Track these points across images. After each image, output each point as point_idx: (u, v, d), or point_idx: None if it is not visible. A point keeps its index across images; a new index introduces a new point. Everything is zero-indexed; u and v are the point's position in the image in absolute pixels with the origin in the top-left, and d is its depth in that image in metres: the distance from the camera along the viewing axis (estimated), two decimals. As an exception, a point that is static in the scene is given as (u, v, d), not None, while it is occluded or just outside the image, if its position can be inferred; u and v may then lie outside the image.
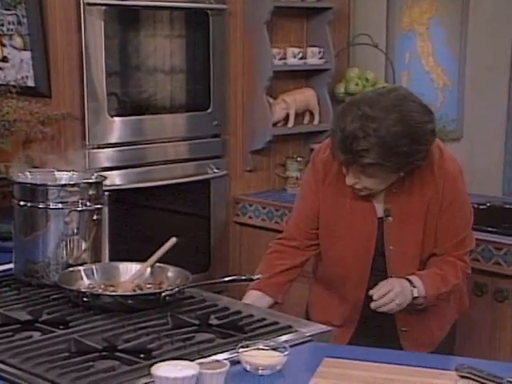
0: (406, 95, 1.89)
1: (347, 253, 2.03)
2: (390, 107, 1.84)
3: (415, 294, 1.95)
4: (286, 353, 1.55)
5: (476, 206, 3.13)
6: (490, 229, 2.76)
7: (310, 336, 1.72)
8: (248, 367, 1.54)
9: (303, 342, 1.70)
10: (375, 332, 2.05)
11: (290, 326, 1.74)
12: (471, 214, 2.06)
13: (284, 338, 1.68)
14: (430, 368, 1.59)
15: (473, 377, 1.52)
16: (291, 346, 1.61)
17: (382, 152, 1.82)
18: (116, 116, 2.87)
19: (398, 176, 1.94)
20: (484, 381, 1.51)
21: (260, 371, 1.54)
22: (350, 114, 1.85)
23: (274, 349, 1.58)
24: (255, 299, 2.00)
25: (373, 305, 1.92)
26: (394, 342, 2.03)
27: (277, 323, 1.75)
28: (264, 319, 1.77)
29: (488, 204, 3.16)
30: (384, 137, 1.81)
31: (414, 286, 1.95)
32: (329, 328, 1.79)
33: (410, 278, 1.96)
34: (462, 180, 2.02)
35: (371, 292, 1.93)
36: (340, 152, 1.88)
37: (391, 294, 1.91)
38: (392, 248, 2.00)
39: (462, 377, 1.53)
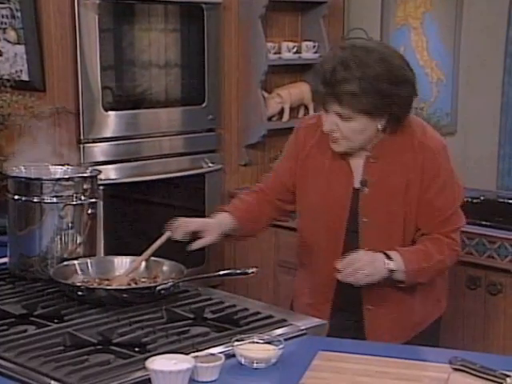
0: (392, 48, 1.99)
1: (320, 223, 2.01)
2: (373, 51, 1.91)
3: (391, 267, 1.90)
4: (281, 346, 1.56)
5: (470, 199, 3.15)
6: (483, 222, 2.77)
7: (304, 329, 1.73)
8: (243, 360, 1.55)
9: (298, 336, 1.70)
10: (351, 311, 2.02)
11: (285, 320, 1.75)
12: (458, 192, 2.03)
13: (279, 331, 1.69)
14: (423, 361, 1.61)
15: (466, 369, 1.53)
16: (286, 340, 1.61)
17: (362, 84, 1.86)
18: (111, 110, 2.86)
19: (375, 129, 1.93)
20: (477, 373, 1.51)
21: (255, 364, 1.54)
22: (333, 52, 1.96)
23: (268, 342, 1.58)
24: (221, 217, 2.03)
25: (339, 275, 1.89)
26: (359, 322, 2.00)
27: (271, 317, 1.76)
28: (259, 313, 1.78)
29: (482, 198, 3.18)
30: (364, 72, 1.87)
31: (389, 259, 1.90)
32: (323, 321, 1.79)
33: (387, 251, 1.93)
34: (445, 156, 2.00)
35: (337, 262, 1.90)
36: (320, 84, 1.91)
37: (358, 264, 1.87)
38: (365, 220, 1.98)
39: (456, 369, 1.53)
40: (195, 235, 1.98)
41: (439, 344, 2.08)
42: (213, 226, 2.00)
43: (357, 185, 2.00)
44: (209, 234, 1.98)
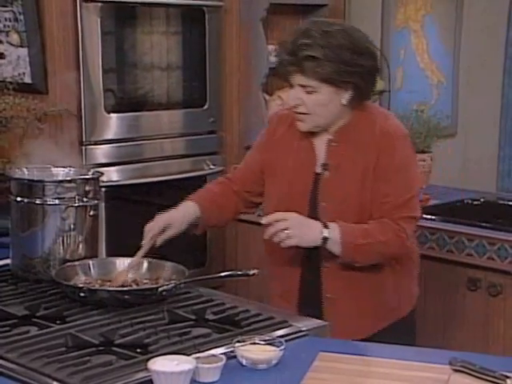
0: (355, 27, 2.02)
1: (281, 208, 2.00)
2: (335, 24, 1.96)
3: (325, 234, 1.88)
4: (282, 347, 1.56)
5: (470, 201, 3.16)
6: (483, 224, 2.78)
7: (305, 331, 1.73)
8: (244, 361, 1.55)
9: (299, 337, 1.71)
10: (313, 299, 2.01)
11: (286, 321, 1.75)
12: (415, 182, 2.01)
13: (280, 332, 1.70)
14: (423, 362, 1.60)
15: (466, 370, 1.52)
16: (287, 341, 1.62)
17: (324, 51, 1.88)
18: (113, 112, 2.88)
19: (339, 103, 1.94)
20: (477, 374, 1.51)
21: (256, 365, 1.55)
22: (297, 27, 2.01)
23: (269, 343, 1.59)
24: (185, 207, 2.05)
25: (265, 234, 1.89)
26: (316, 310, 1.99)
27: (273, 318, 1.77)
28: (260, 314, 1.78)
29: (482, 199, 3.18)
30: (327, 40, 1.89)
31: (325, 227, 1.89)
32: (324, 323, 1.80)
33: (327, 222, 1.91)
34: (405, 144, 1.99)
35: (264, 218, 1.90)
36: (284, 53, 1.93)
37: (283, 223, 1.86)
38: (324, 205, 1.98)
39: (456, 370, 1.53)
40: (165, 231, 2.00)
41: (416, 340, 2.06)
42: (177, 219, 2.02)
43: (319, 170, 2.01)
44: (173, 228, 2.01)
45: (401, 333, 1.97)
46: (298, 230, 1.88)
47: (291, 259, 2.01)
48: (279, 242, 1.89)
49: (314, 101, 1.93)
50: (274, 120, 2.14)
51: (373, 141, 1.97)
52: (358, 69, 1.91)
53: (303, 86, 1.92)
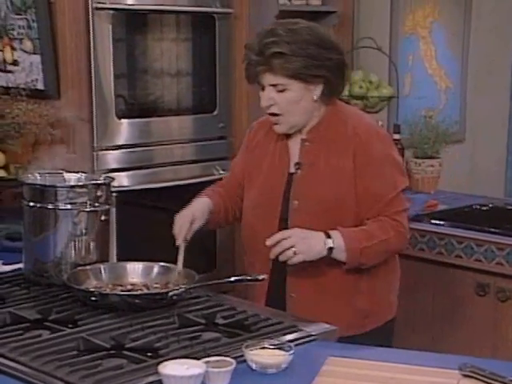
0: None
1: (258, 214, 2.03)
2: (300, 22, 1.98)
3: (329, 245, 1.88)
4: (291, 352, 1.57)
5: (479, 206, 3.16)
6: (492, 229, 2.78)
7: (314, 335, 1.74)
8: (254, 366, 1.56)
9: (308, 341, 1.71)
10: (279, 299, 2.01)
11: (295, 326, 1.76)
12: (399, 176, 2.00)
13: (289, 337, 1.70)
14: (432, 367, 1.60)
15: (476, 376, 1.52)
16: (296, 345, 1.63)
17: (291, 47, 1.90)
18: (123, 118, 2.89)
19: (311, 99, 1.95)
20: (487, 380, 1.51)
21: (265, 370, 1.55)
22: (262, 29, 2.01)
23: (279, 348, 1.59)
24: (201, 201, 2.09)
25: (271, 254, 1.89)
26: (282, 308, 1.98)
27: (282, 322, 1.78)
28: (269, 319, 1.79)
29: (490, 205, 3.19)
30: (293, 37, 1.91)
31: (328, 236, 1.89)
32: (333, 327, 1.80)
33: (329, 231, 1.91)
34: (382, 144, 1.99)
35: (268, 239, 1.89)
36: (251, 54, 1.95)
37: (287, 241, 1.86)
38: (296, 203, 1.99)
39: (465, 376, 1.53)
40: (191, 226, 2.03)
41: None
42: (198, 211, 2.05)
43: (292, 170, 2.02)
44: (198, 220, 2.04)
45: (376, 341, 1.89)
46: (303, 245, 1.88)
47: (262, 259, 1.99)
48: (286, 260, 1.89)
49: (286, 99, 1.94)
50: (255, 126, 2.17)
51: (345, 140, 1.97)
52: (325, 62, 1.93)
53: (274, 85, 1.94)
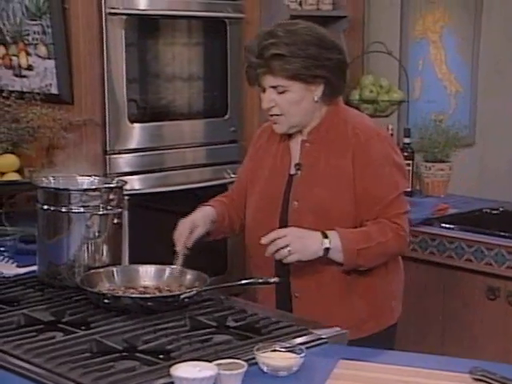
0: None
1: (258, 214, 2.03)
2: (299, 23, 1.98)
3: (326, 245, 1.88)
4: (302, 354, 1.58)
5: (489, 210, 3.17)
6: (502, 233, 2.78)
7: (325, 338, 1.74)
8: (265, 368, 1.56)
9: (319, 344, 1.72)
10: (284, 299, 2.01)
11: (306, 329, 1.77)
12: (399, 177, 1.99)
13: (300, 339, 1.71)
14: (444, 370, 1.60)
15: (486, 380, 1.52)
16: (307, 348, 1.63)
17: (290, 48, 1.89)
18: (136, 122, 2.91)
19: (312, 100, 1.95)
20: (497, 384, 1.52)
21: (277, 372, 1.56)
22: (261, 31, 2.01)
23: (290, 350, 1.60)
24: (204, 210, 2.09)
25: (266, 252, 1.89)
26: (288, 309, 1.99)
27: (293, 325, 1.78)
28: (280, 321, 1.80)
29: (501, 209, 3.19)
30: (292, 38, 1.91)
31: (325, 236, 1.88)
32: (344, 330, 1.80)
33: (326, 231, 1.90)
34: (383, 143, 1.98)
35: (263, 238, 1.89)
36: (251, 56, 1.94)
37: (282, 239, 1.86)
38: (296, 204, 1.99)
39: (476, 379, 1.53)
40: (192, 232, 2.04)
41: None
42: (199, 219, 2.06)
43: (292, 171, 2.03)
44: (199, 227, 2.05)
45: (375, 347, 1.84)
46: (299, 244, 1.88)
47: (266, 261, 1.98)
48: (281, 259, 1.89)
49: (287, 100, 1.94)
50: (258, 132, 2.18)
51: (345, 141, 1.97)
52: (325, 62, 1.92)
53: (274, 87, 1.94)
